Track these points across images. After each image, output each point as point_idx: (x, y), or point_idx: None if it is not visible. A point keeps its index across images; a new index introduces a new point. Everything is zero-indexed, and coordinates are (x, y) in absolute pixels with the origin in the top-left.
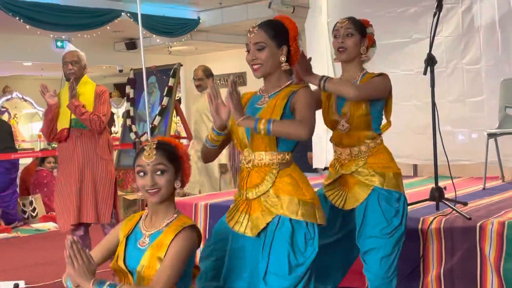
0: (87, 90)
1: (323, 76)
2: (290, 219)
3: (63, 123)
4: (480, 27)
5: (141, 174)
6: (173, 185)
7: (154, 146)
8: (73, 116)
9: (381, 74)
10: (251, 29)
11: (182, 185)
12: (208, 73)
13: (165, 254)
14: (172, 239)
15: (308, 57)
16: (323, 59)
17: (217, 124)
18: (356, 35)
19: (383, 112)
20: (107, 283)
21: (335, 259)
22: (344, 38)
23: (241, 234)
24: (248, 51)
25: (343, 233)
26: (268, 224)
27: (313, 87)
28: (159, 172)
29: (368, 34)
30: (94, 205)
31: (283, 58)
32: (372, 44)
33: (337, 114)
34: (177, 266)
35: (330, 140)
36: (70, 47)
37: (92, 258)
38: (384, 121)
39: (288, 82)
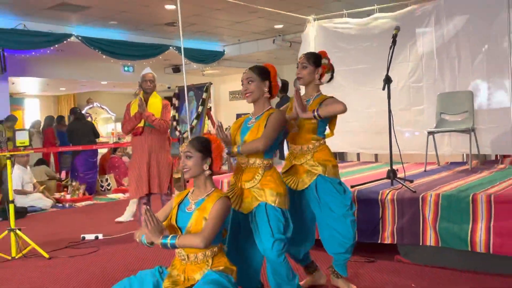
0: (157, 101)
1: (313, 110)
2: (269, 205)
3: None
4: (422, 55)
5: (181, 159)
6: (201, 167)
7: (188, 141)
8: None
9: (331, 97)
10: (244, 71)
11: (211, 168)
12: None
13: (209, 214)
14: (214, 204)
15: (297, 87)
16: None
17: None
18: (309, 67)
19: (328, 124)
20: (170, 236)
21: (304, 230)
22: (300, 70)
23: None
24: (242, 84)
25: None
26: (255, 207)
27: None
28: (187, 157)
29: (322, 64)
30: (158, 181)
31: (265, 89)
32: (328, 70)
33: (294, 122)
34: (217, 222)
35: (286, 139)
36: (148, 70)
37: (160, 221)
38: (328, 131)
39: (269, 107)
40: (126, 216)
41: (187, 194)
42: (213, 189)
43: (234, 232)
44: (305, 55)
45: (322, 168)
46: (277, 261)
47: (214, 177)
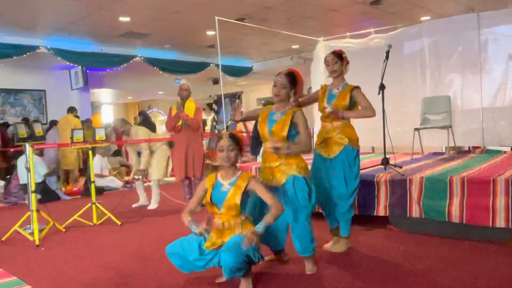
0: (191, 105)
1: (342, 112)
2: (297, 176)
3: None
4: (409, 66)
5: (222, 151)
6: (238, 157)
7: (228, 136)
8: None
9: (357, 87)
10: (279, 74)
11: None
12: (124, 122)
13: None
14: (248, 182)
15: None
16: (321, 79)
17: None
18: (339, 62)
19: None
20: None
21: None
22: (333, 65)
23: (270, 185)
24: (275, 86)
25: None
26: (286, 180)
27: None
28: (231, 150)
29: (344, 58)
30: (193, 167)
31: (292, 94)
32: (347, 62)
33: (326, 103)
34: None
35: (320, 118)
36: (184, 80)
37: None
38: None
39: (290, 106)
40: (142, 201)
41: (216, 178)
42: (240, 171)
43: (264, 202)
44: (333, 54)
45: (348, 140)
46: (303, 225)
47: (243, 164)
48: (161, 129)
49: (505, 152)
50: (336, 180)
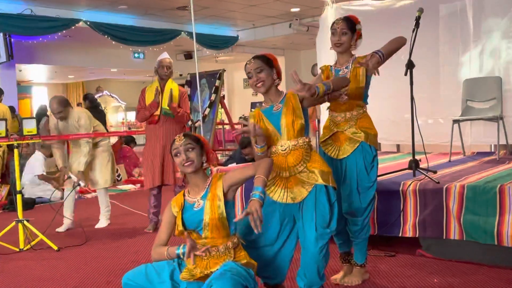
0: (174, 88)
1: (376, 52)
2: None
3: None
4: (446, 38)
5: (178, 154)
6: (201, 159)
7: (182, 135)
8: (164, 107)
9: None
10: (247, 62)
11: (207, 161)
12: (65, 104)
13: (223, 193)
14: (222, 183)
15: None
16: (330, 54)
17: (258, 143)
18: (349, 33)
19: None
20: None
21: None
22: (340, 36)
23: (273, 201)
24: (249, 77)
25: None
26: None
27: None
28: (190, 150)
29: (357, 30)
30: (173, 172)
31: (275, 76)
32: (359, 36)
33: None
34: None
35: (328, 108)
36: (165, 55)
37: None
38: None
39: (285, 92)
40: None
41: (184, 199)
42: (210, 178)
43: (268, 224)
44: (343, 20)
45: (364, 135)
46: (316, 257)
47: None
48: (114, 118)
49: None
50: (347, 188)
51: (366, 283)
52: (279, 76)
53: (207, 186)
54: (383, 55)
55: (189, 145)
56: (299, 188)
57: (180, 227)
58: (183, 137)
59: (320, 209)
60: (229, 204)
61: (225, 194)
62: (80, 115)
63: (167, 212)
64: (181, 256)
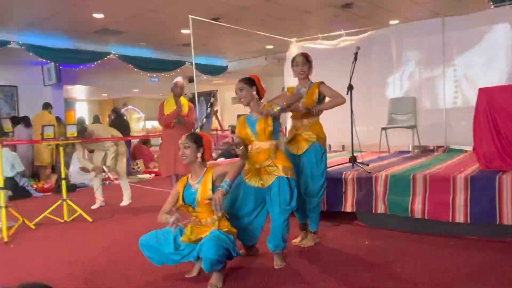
0: (184, 103)
1: (314, 107)
2: (283, 177)
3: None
4: (377, 67)
5: (179, 149)
6: (196, 155)
7: (184, 135)
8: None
9: (322, 82)
10: (236, 84)
11: (203, 156)
12: (81, 123)
13: (212, 181)
14: (211, 174)
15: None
16: (293, 80)
17: (238, 147)
18: (307, 64)
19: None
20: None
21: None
22: (302, 67)
23: (249, 185)
24: (236, 94)
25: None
26: (272, 181)
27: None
28: (186, 147)
29: (311, 62)
30: (184, 165)
31: (254, 93)
32: (312, 66)
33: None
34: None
35: (292, 116)
36: (179, 78)
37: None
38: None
39: (263, 104)
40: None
41: (187, 181)
42: (206, 168)
43: (246, 202)
44: (302, 55)
45: (316, 136)
46: (281, 226)
47: (215, 161)
48: (135, 126)
49: (466, 151)
50: (304, 176)
51: (317, 245)
52: (260, 92)
53: (202, 174)
54: (318, 110)
55: (186, 144)
56: (267, 177)
57: (180, 202)
58: (184, 137)
59: (282, 193)
60: (216, 188)
61: (213, 182)
62: (96, 128)
63: (176, 187)
64: (171, 224)
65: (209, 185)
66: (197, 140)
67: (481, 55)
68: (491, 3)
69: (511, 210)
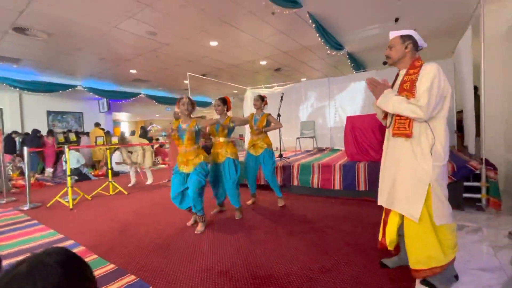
0: (192, 122)
1: (263, 128)
2: (231, 159)
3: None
4: (293, 105)
5: (183, 104)
6: (191, 110)
7: (187, 99)
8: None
9: (269, 114)
10: (216, 101)
11: (191, 112)
12: (122, 137)
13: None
14: (196, 122)
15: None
16: (249, 111)
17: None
18: (259, 101)
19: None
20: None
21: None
22: (260, 103)
23: (216, 162)
24: (215, 108)
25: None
26: (224, 160)
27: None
28: (189, 104)
29: (265, 100)
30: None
31: (225, 109)
32: (266, 103)
33: (254, 124)
34: (205, 121)
35: (250, 133)
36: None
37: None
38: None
39: (226, 117)
40: (133, 182)
41: (180, 123)
42: (191, 119)
43: (215, 173)
44: (259, 96)
45: (267, 145)
46: (232, 189)
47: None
48: (160, 139)
49: (341, 150)
50: (264, 167)
51: (264, 204)
52: (228, 108)
53: (189, 122)
54: (265, 131)
55: (188, 105)
56: (222, 158)
57: (175, 135)
58: (188, 100)
59: (230, 168)
60: (197, 131)
61: (195, 127)
62: (132, 140)
63: (172, 124)
64: (161, 130)
65: (194, 128)
66: (194, 105)
67: (348, 97)
68: (354, 71)
69: (364, 183)
